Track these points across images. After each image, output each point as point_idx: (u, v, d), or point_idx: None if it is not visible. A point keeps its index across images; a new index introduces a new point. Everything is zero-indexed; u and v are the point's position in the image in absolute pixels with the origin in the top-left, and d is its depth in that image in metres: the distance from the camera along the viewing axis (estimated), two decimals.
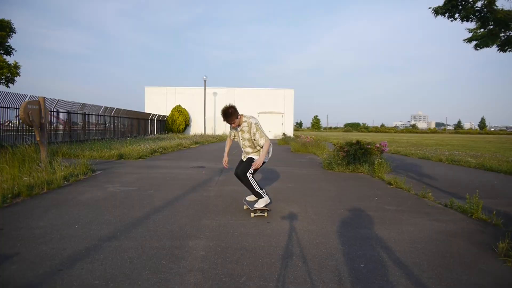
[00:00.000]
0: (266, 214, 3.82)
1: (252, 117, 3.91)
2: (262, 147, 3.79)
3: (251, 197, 4.04)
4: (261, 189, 3.85)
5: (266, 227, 3.38)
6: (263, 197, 3.81)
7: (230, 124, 3.82)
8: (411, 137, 39.31)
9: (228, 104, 3.80)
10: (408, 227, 3.47)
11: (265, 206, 3.83)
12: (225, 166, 4.09)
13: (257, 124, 3.82)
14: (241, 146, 3.99)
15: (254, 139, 3.79)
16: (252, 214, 3.79)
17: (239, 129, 3.88)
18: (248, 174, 3.82)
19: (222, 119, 3.77)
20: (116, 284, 2.13)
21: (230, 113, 3.73)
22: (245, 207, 4.12)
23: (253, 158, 3.87)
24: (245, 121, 3.84)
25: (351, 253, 2.72)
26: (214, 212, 3.95)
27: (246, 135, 3.85)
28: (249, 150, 3.90)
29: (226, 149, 4.18)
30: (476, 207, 3.89)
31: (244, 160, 3.97)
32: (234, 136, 4.11)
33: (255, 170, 3.84)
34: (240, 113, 3.87)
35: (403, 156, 12.42)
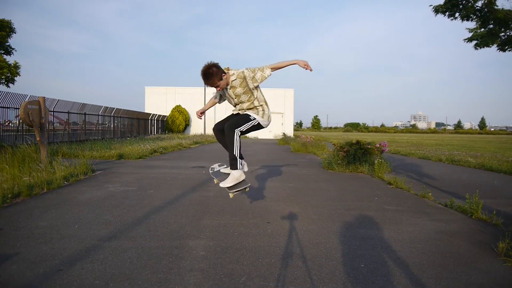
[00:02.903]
0: (247, 189, 3.15)
1: (240, 69, 3.13)
2: (268, 68, 3.04)
3: (225, 169, 3.38)
4: (240, 156, 3.10)
5: (266, 227, 3.38)
6: (236, 168, 3.05)
7: (214, 87, 3.00)
8: (411, 137, 39.32)
9: (208, 62, 2.91)
10: (408, 227, 3.47)
11: (234, 184, 3.03)
12: (199, 116, 3.40)
13: (249, 68, 3.08)
14: (236, 106, 3.22)
15: (260, 76, 3.02)
16: (231, 195, 3.17)
17: (228, 87, 3.08)
18: (236, 131, 3.01)
19: (203, 82, 2.94)
20: (116, 284, 2.13)
21: (211, 74, 2.86)
22: (215, 181, 3.41)
23: (250, 115, 3.10)
24: (233, 74, 3.03)
25: (351, 253, 2.72)
26: (214, 212, 3.95)
27: (240, 90, 3.06)
28: (246, 105, 3.15)
29: (207, 103, 3.46)
30: (476, 207, 3.89)
31: (238, 114, 3.19)
32: (221, 97, 3.32)
33: (247, 131, 3.13)
34: (225, 69, 3.05)
35: (403, 156, 12.41)
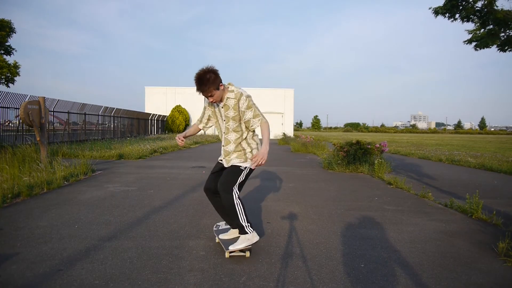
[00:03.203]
0: (248, 254, 2.60)
1: (243, 90, 2.60)
2: (257, 127, 2.59)
3: (227, 234, 2.79)
4: (248, 220, 2.58)
5: (266, 227, 3.38)
6: (247, 233, 2.56)
7: (207, 96, 2.50)
8: (411, 137, 39.31)
9: (206, 67, 2.47)
10: (408, 227, 3.47)
11: (247, 245, 2.55)
12: (180, 143, 2.71)
13: (249, 98, 2.58)
14: (222, 132, 2.69)
15: (245, 120, 2.57)
16: (227, 254, 2.57)
17: (221, 104, 2.59)
18: (234, 191, 2.52)
19: (196, 88, 2.46)
20: (116, 284, 2.13)
21: (208, 79, 2.41)
22: (216, 239, 2.89)
23: (239, 166, 2.58)
24: (232, 91, 2.56)
25: (351, 253, 2.72)
26: (214, 212, 3.94)
27: (231, 113, 2.57)
28: (233, 138, 2.61)
29: (188, 130, 2.86)
30: (476, 207, 3.89)
31: (226, 165, 2.65)
32: (209, 119, 2.78)
33: (243, 182, 2.63)
34: (228, 83, 2.61)
35: (403, 156, 12.41)
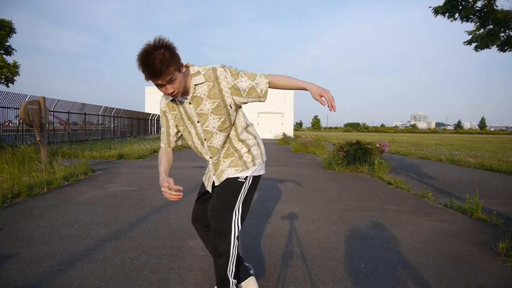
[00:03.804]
0: None
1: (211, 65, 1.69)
2: (266, 86, 1.68)
3: None
4: (236, 275, 1.79)
5: (266, 227, 3.38)
6: None
7: (164, 85, 1.49)
8: (411, 137, 39.33)
9: (155, 40, 1.45)
10: (408, 227, 3.47)
11: None
12: (176, 197, 1.56)
13: (225, 66, 1.66)
14: (199, 141, 1.76)
15: (247, 91, 1.65)
16: None
17: (187, 99, 1.66)
18: (234, 226, 1.68)
19: (145, 76, 1.46)
20: (116, 284, 2.13)
21: (162, 58, 1.43)
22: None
23: (237, 178, 1.73)
24: (198, 72, 1.64)
25: (351, 253, 2.72)
26: None
27: (208, 104, 1.65)
28: (220, 141, 1.73)
29: (162, 166, 1.74)
30: (476, 207, 3.89)
31: (217, 182, 1.76)
32: (177, 130, 1.82)
33: (247, 204, 1.78)
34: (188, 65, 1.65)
35: (403, 156, 12.42)
